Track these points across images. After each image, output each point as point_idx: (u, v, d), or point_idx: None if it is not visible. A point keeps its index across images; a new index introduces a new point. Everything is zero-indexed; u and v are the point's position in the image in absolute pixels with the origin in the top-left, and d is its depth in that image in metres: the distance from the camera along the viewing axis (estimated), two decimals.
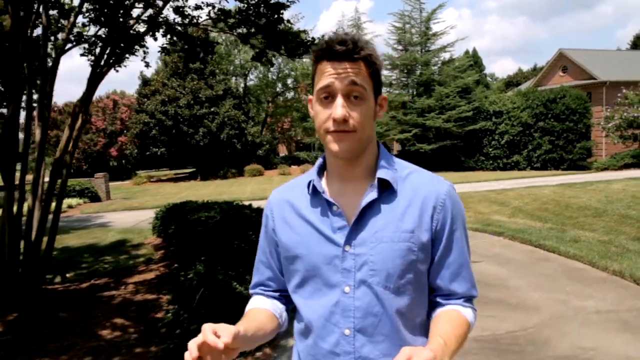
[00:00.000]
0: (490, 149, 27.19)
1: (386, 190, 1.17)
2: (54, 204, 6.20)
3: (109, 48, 5.37)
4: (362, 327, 1.14)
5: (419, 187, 1.18)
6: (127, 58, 5.28)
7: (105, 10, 5.07)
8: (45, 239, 5.88)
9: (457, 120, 27.00)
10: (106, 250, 9.20)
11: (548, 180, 18.17)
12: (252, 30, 4.68)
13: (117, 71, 5.69)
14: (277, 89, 39.50)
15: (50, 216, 6.00)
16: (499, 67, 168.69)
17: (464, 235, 1.21)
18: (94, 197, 20.64)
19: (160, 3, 5.05)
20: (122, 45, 4.95)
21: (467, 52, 42.99)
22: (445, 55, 30.80)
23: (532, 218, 10.08)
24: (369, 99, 1.14)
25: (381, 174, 1.16)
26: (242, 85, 35.96)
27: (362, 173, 1.20)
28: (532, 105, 25.96)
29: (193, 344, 0.95)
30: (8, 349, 4.46)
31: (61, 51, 5.50)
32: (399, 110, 29.35)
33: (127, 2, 5.16)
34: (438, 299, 1.21)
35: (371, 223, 1.15)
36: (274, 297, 1.34)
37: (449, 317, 1.15)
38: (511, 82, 57.01)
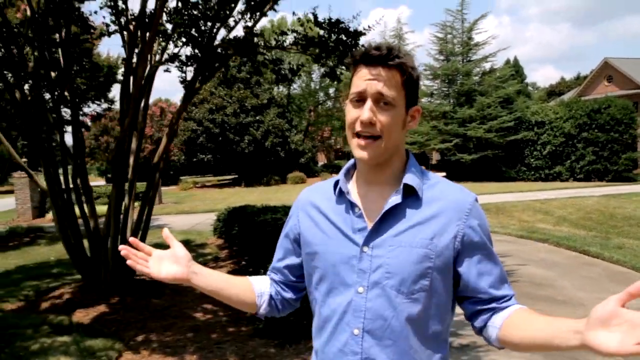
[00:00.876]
0: (532, 160, 27.09)
1: (411, 196, 1.20)
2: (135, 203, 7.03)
3: (195, 66, 6.18)
4: (371, 329, 1.16)
5: (444, 196, 1.21)
6: (215, 75, 6.09)
7: (197, 36, 5.87)
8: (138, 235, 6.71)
9: (499, 131, 27.05)
10: None
11: (592, 191, 18.21)
12: (331, 52, 5.39)
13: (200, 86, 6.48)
14: (319, 98, 40.38)
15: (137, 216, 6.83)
16: (541, 76, 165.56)
17: (489, 240, 1.23)
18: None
19: (248, 23, 5.78)
20: (212, 64, 5.75)
21: (507, 61, 42.85)
22: (487, 65, 30.99)
23: (576, 227, 10.40)
24: (399, 107, 1.18)
25: (407, 180, 1.20)
26: (286, 93, 36.95)
27: (388, 179, 1.24)
28: (576, 115, 25.81)
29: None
30: (117, 326, 5.24)
31: (155, 69, 6.34)
32: (440, 120, 29.64)
33: (215, 27, 5.97)
34: (494, 305, 1.19)
35: (391, 227, 1.18)
36: (276, 284, 1.42)
37: (530, 311, 1.15)
38: (553, 92, 56.16)
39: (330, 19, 5.38)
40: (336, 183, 1.27)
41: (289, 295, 1.40)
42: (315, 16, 5.39)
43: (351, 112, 1.18)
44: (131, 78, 5.80)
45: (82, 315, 5.49)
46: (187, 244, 10.70)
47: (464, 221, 1.17)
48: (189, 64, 6.03)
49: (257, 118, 31.19)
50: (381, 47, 1.15)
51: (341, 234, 1.21)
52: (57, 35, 6.19)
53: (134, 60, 5.95)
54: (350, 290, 1.18)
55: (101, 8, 5.58)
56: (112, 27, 6.05)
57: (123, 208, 6.43)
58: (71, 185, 6.31)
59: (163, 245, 1.28)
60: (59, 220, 5.99)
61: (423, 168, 1.28)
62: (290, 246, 1.36)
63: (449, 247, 1.16)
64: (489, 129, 27.08)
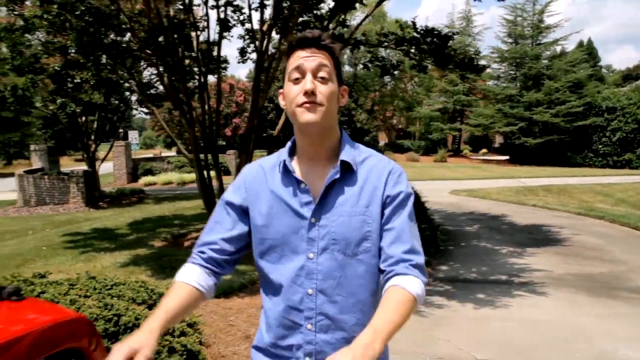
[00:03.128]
0: (600, 146, 26.72)
1: (348, 171, 1.34)
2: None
3: None
4: (323, 288, 1.31)
5: (372, 167, 1.36)
6: None
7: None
8: None
9: (566, 115, 26.90)
10: None
11: None
12: (423, 51, 6.63)
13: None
14: (385, 79, 41.15)
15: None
16: (618, 57, 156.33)
17: (408, 208, 1.35)
18: (225, 171, 23.86)
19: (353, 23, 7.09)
20: None
21: (581, 43, 41.66)
22: (557, 49, 30.66)
23: (634, 207, 11.14)
24: (334, 82, 1.32)
25: (344, 156, 1.33)
26: (352, 73, 38.02)
27: (327, 154, 1.36)
28: None
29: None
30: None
31: (271, 62, 7.79)
32: (505, 103, 29.78)
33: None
34: (383, 266, 1.31)
35: (333, 199, 1.32)
36: (210, 263, 1.40)
37: (393, 298, 1.23)
38: (630, 76, 53.60)
39: (426, 26, 6.66)
40: (283, 163, 1.36)
41: (220, 270, 1.42)
42: (414, 23, 6.68)
43: (292, 89, 1.31)
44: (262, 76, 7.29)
45: None
46: None
47: (386, 187, 1.34)
48: None
49: None
50: (312, 32, 1.33)
51: (290, 208, 1.33)
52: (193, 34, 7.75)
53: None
54: (300, 256, 1.31)
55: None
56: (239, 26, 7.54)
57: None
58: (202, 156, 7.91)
59: None
60: (201, 180, 7.59)
61: (354, 142, 1.40)
62: (238, 216, 1.41)
63: (379, 212, 1.33)
64: (556, 114, 27.01)
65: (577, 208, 11.00)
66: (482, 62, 34.19)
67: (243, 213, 1.40)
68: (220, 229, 1.40)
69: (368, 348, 1.08)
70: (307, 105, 1.27)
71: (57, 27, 6.97)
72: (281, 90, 1.37)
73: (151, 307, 3.58)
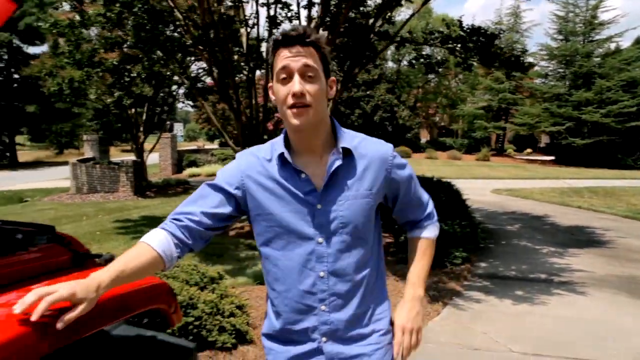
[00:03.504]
0: None
1: (346, 157, 1.39)
2: None
3: (352, 57, 7.74)
4: (334, 270, 1.38)
5: (369, 151, 1.42)
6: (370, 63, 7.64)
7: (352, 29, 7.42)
8: None
9: (618, 116, 26.03)
10: None
11: None
12: (469, 49, 6.70)
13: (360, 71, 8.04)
14: (428, 75, 40.75)
15: None
16: None
17: (414, 178, 1.53)
18: None
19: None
20: (367, 54, 7.29)
21: (638, 39, 39.92)
22: (611, 46, 29.62)
23: None
24: (321, 78, 1.33)
25: (344, 143, 1.39)
26: (396, 69, 37.86)
27: (321, 144, 1.40)
28: None
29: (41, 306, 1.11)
30: None
31: None
32: (552, 102, 29.02)
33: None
34: (408, 227, 1.59)
35: (338, 185, 1.37)
36: (182, 233, 1.39)
37: (419, 248, 1.56)
38: None
39: (473, 25, 6.69)
40: (282, 154, 1.38)
41: (191, 242, 1.40)
42: (461, 22, 6.74)
43: (281, 90, 1.32)
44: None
45: None
46: None
47: (389, 168, 1.44)
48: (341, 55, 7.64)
49: (368, 93, 32.58)
50: (297, 29, 1.32)
51: (294, 196, 1.37)
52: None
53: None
54: (309, 242, 1.37)
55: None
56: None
57: None
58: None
59: None
60: None
61: (344, 129, 1.46)
62: (225, 199, 1.41)
63: (382, 192, 1.44)
64: (607, 114, 26.17)
65: (624, 211, 10.73)
66: (530, 60, 33.45)
67: (231, 198, 1.41)
68: (203, 203, 1.41)
69: (416, 299, 1.51)
70: (296, 109, 1.30)
71: (114, 24, 7.38)
72: (270, 85, 1.39)
73: (202, 289, 3.83)
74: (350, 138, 1.42)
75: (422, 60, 7.44)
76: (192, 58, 11.82)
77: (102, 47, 8.65)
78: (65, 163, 20.27)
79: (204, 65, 11.68)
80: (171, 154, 22.08)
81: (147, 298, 1.57)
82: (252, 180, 1.40)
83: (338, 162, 1.36)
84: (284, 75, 1.31)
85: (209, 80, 14.37)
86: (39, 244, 1.64)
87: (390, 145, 1.48)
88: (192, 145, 34.96)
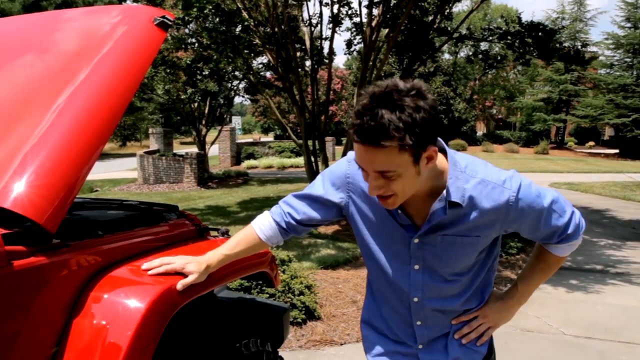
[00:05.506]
0: None
1: (453, 207, 1.24)
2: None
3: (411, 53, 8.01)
4: (428, 297, 1.36)
5: (485, 204, 1.25)
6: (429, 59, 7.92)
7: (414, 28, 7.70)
8: None
9: None
10: None
11: None
12: (527, 44, 6.85)
13: (421, 67, 8.31)
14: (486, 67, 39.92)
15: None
16: None
17: (546, 209, 1.31)
18: (324, 157, 24.72)
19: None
20: (425, 50, 7.57)
21: None
22: None
23: None
24: (406, 170, 1.12)
25: (453, 194, 1.22)
26: (452, 61, 37.34)
27: (426, 192, 1.26)
28: None
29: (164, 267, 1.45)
30: (347, 236, 7.43)
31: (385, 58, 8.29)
32: (618, 93, 27.86)
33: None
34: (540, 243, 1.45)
35: (438, 228, 1.27)
36: (287, 224, 1.46)
37: (546, 261, 1.46)
38: None
39: (532, 21, 6.83)
40: None
41: (291, 232, 1.49)
42: (519, 18, 6.89)
43: (361, 172, 1.21)
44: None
45: (325, 230, 7.81)
46: None
47: (504, 220, 1.27)
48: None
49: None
50: (364, 129, 1.07)
51: (395, 221, 1.30)
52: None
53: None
54: (407, 267, 1.33)
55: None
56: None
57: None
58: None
59: None
60: (309, 164, 8.33)
61: (460, 165, 1.26)
62: (328, 207, 1.42)
63: (494, 235, 1.33)
64: None
65: None
66: (594, 49, 32.02)
67: (333, 206, 1.42)
68: (310, 204, 1.44)
69: (514, 306, 1.48)
70: (381, 199, 1.21)
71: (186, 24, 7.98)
72: None
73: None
74: (462, 182, 1.24)
75: (480, 55, 7.62)
76: (252, 54, 12.39)
77: (174, 47, 9.29)
78: (129, 155, 21.43)
79: (264, 60, 12.23)
80: (230, 147, 22.88)
81: (258, 263, 1.97)
82: (357, 197, 1.38)
83: (441, 216, 1.25)
84: (360, 164, 1.18)
85: (268, 74, 14.96)
86: (172, 219, 2.08)
87: (512, 190, 1.25)
88: (249, 138, 35.96)
